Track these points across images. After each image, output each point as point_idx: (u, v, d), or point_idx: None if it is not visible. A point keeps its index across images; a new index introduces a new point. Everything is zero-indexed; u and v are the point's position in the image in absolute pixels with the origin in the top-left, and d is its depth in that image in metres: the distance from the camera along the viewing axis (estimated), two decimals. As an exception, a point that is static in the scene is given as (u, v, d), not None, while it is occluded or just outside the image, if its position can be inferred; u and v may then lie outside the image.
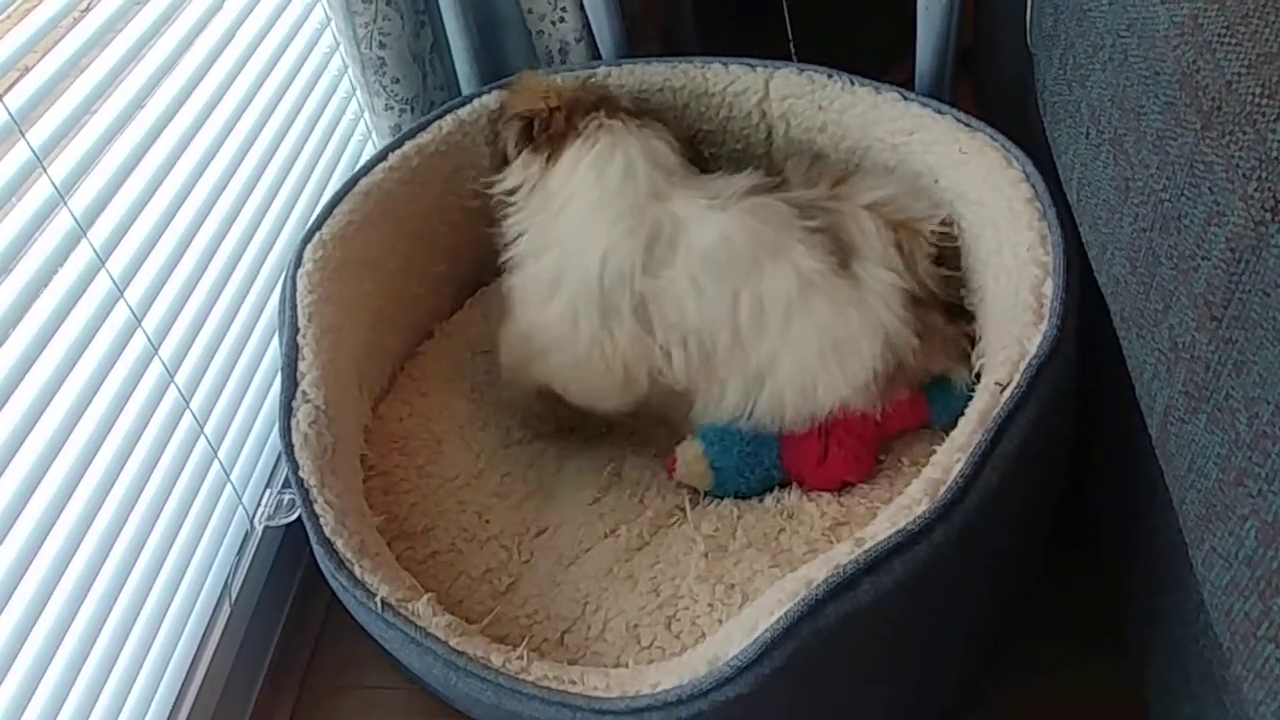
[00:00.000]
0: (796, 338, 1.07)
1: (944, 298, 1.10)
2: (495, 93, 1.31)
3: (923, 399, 1.09)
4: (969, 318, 1.11)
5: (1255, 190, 0.55)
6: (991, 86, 1.46)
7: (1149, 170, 0.69)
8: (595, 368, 1.12)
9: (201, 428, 1.09)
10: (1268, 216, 0.54)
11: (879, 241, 1.07)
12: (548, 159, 1.17)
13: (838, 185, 1.14)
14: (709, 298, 1.07)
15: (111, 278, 0.97)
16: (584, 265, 1.10)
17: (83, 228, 0.93)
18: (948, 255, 1.12)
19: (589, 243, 1.11)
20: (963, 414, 0.91)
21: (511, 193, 1.20)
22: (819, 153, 1.26)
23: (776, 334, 1.07)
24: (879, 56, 1.53)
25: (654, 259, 1.09)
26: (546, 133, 1.19)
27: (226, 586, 1.12)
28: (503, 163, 1.24)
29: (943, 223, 1.12)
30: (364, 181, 1.23)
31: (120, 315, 0.98)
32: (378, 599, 0.91)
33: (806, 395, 1.07)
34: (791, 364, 1.07)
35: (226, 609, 1.11)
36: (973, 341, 1.09)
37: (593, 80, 1.31)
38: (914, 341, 1.05)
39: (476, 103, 1.31)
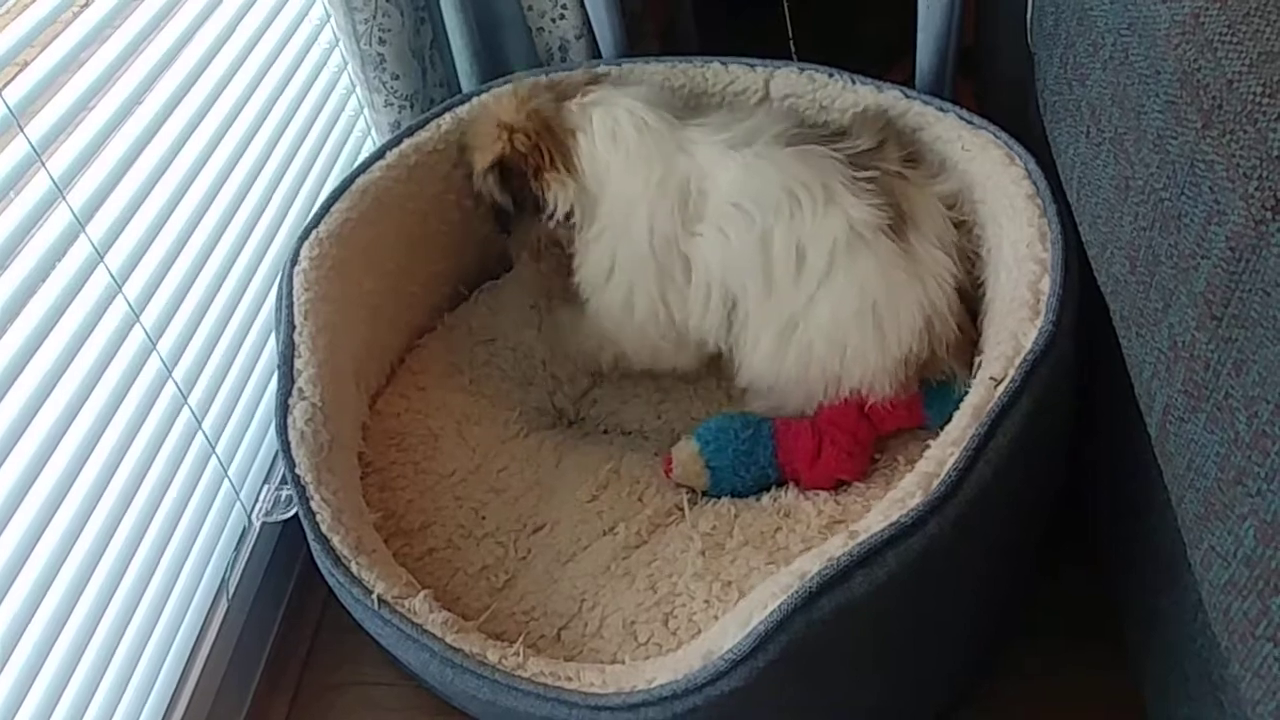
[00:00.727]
0: (838, 289, 1.03)
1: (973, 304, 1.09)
2: (461, 145, 1.26)
3: (918, 400, 1.09)
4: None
5: (1256, 189, 0.55)
6: (992, 85, 1.46)
7: (1149, 169, 0.69)
8: (652, 336, 1.15)
9: (199, 423, 1.08)
10: (1268, 215, 0.54)
11: (942, 225, 1.03)
12: (554, 164, 1.14)
13: (912, 162, 1.09)
14: (735, 244, 1.07)
15: (110, 272, 0.96)
16: (634, 238, 1.11)
17: (81, 222, 0.93)
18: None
19: (633, 211, 1.10)
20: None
21: (569, 217, 1.16)
22: (885, 115, 1.18)
23: (816, 281, 1.04)
24: (879, 55, 1.53)
25: (689, 214, 1.08)
26: (526, 160, 1.14)
27: (224, 582, 1.12)
28: (515, 211, 1.19)
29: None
30: (361, 179, 1.23)
31: (118, 310, 0.98)
32: (374, 596, 0.92)
33: (834, 353, 1.05)
34: (827, 315, 1.04)
35: (224, 605, 1.11)
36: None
37: (542, 86, 1.24)
38: (953, 334, 1.03)
39: (475, 101, 1.31)
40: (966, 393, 0.98)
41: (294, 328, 1.09)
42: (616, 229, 1.13)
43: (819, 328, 1.05)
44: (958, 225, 1.09)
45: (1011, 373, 0.88)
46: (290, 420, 1.03)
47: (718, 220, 1.08)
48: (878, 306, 1.03)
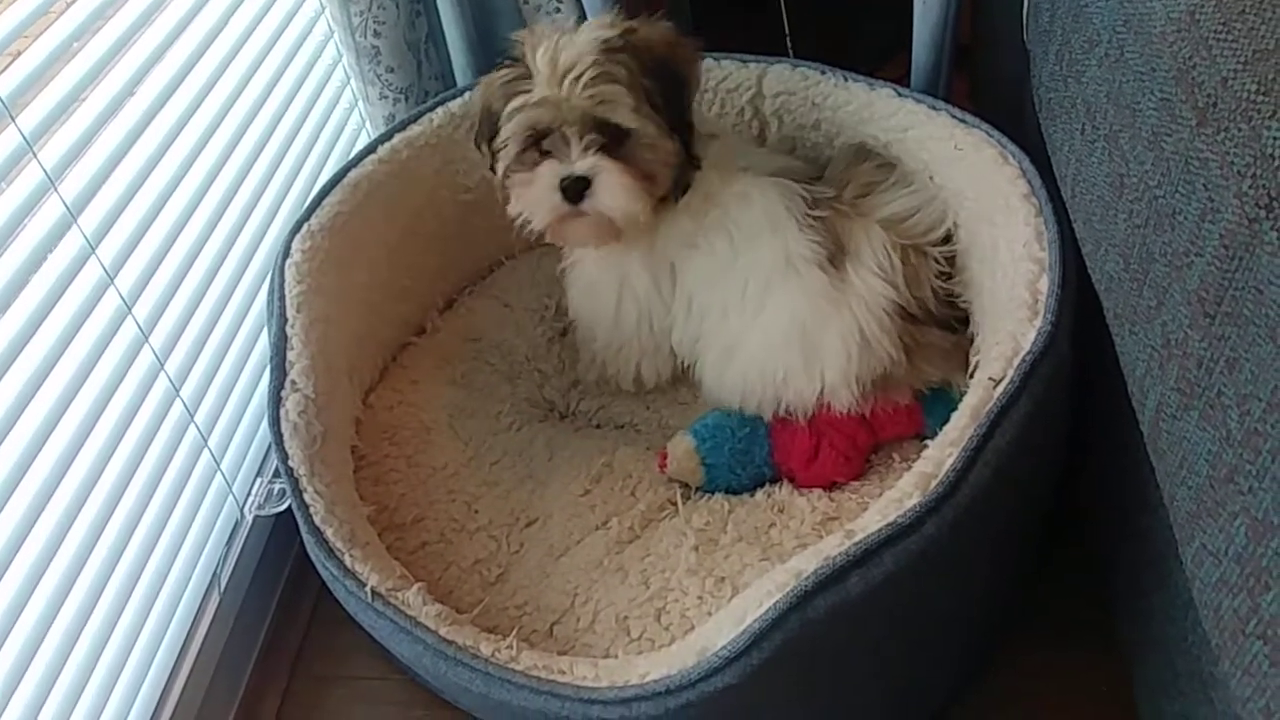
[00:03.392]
0: (767, 317, 1.09)
1: (948, 313, 1.10)
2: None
3: (918, 407, 1.09)
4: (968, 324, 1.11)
5: (1249, 187, 0.55)
6: (987, 82, 1.46)
7: (1144, 166, 0.69)
8: (630, 347, 1.20)
9: (192, 416, 1.08)
10: (1261, 214, 0.54)
11: (881, 253, 1.07)
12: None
13: (865, 194, 1.12)
14: (716, 261, 1.11)
15: (102, 265, 0.96)
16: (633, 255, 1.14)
17: (73, 214, 0.93)
18: (949, 264, 1.11)
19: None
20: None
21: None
22: (865, 150, 1.21)
23: (751, 311, 1.10)
24: (876, 52, 1.53)
25: (693, 220, 1.12)
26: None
27: (216, 575, 1.12)
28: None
29: (945, 238, 1.11)
30: (353, 173, 1.23)
31: (111, 302, 0.98)
32: (368, 588, 0.91)
33: (768, 380, 1.10)
34: (758, 344, 1.09)
35: (216, 598, 1.11)
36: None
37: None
38: (895, 354, 1.06)
39: (468, 95, 1.30)
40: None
41: (286, 320, 1.09)
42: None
43: (753, 357, 1.10)
44: (948, 239, 1.11)
45: (1010, 373, 0.88)
46: (283, 412, 1.03)
47: (711, 234, 1.11)
48: (806, 333, 1.07)
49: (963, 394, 1.03)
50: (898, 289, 1.06)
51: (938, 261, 1.09)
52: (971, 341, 1.07)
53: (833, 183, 1.13)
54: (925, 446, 0.89)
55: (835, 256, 1.07)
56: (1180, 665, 0.81)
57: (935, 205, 1.12)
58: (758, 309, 1.10)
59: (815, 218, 1.08)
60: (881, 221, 1.08)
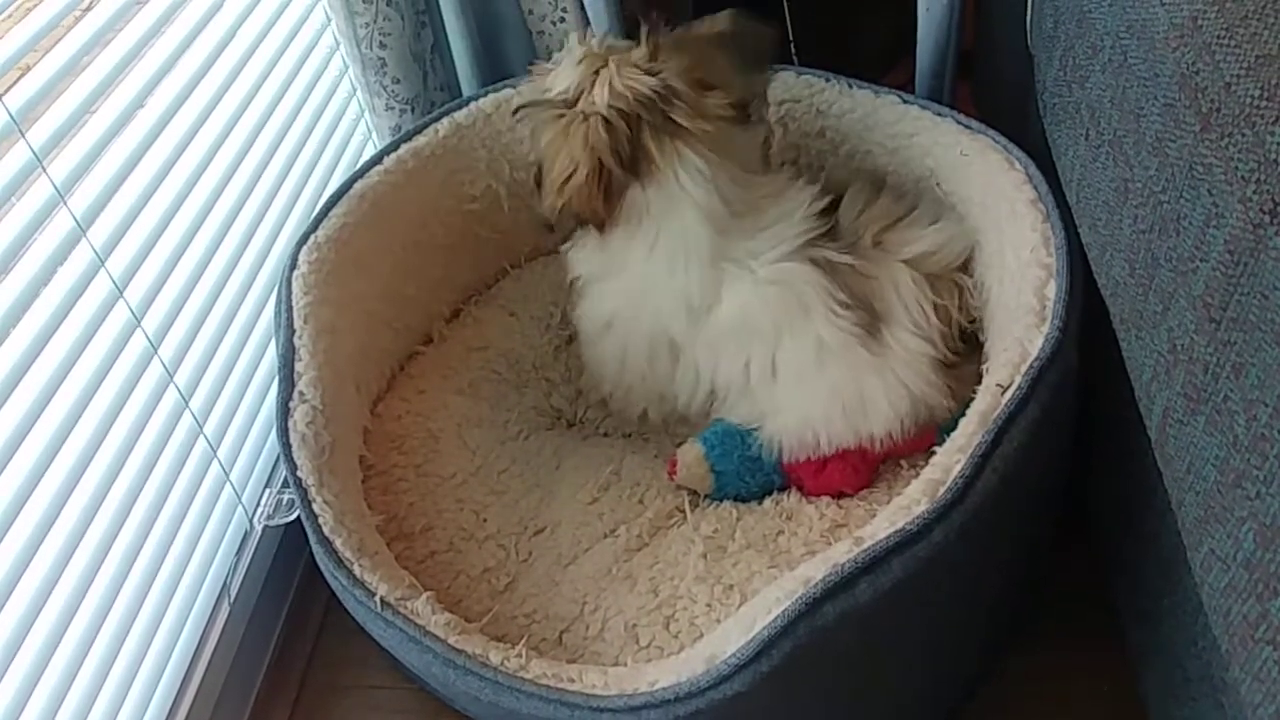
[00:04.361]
0: (805, 394, 1.06)
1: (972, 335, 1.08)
2: (528, 143, 1.12)
3: (932, 427, 1.08)
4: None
5: (1254, 193, 0.55)
6: (991, 88, 1.46)
7: (1148, 172, 0.69)
8: (636, 391, 1.19)
9: (201, 428, 1.09)
10: (1266, 219, 0.54)
11: (915, 306, 1.04)
12: (602, 228, 1.05)
13: (884, 232, 1.08)
14: (724, 362, 1.10)
15: (111, 278, 0.97)
16: (635, 320, 1.12)
17: (82, 228, 0.93)
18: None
19: (645, 296, 1.09)
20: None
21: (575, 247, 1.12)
22: (878, 181, 1.18)
23: (787, 389, 1.07)
24: (880, 58, 1.53)
25: (689, 323, 1.09)
26: (598, 213, 1.04)
27: (226, 586, 1.12)
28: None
29: (966, 264, 1.09)
30: (359, 184, 1.23)
31: (120, 315, 0.98)
32: (377, 598, 0.92)
33: (805, 443, 1.08)
34: (797, 416, 1.07)
35: (226, 608, 1.11)
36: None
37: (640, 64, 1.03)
38: (946, 402, 1.04)
39: (473, 106, 1.31)
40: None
41: (294, 331, 1.09)
42: (621, 296, 1.12)
43: (791, 424, 1.08)
44: (952, 267, 1.08)
45: (1018, 379, 0.88)
46: (291, 423, 1.03)
47: (713, 340, 1.09)
48: (849, 405, 1.05)
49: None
50: (935, 344, 1.04)
51: (969, 292, 1.07)
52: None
53: (849, 232, 1.08)
54: (932, 453, 0.89)
55: (870, 327, 1.04)
56: (1190, 670, 0.81)
57: (961, 234, 1.10)
58: (793, 388, 1.07)
59: (842, 301, 1.03)
60: (909, 262, 1.05)
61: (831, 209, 1.09)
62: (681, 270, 1.05)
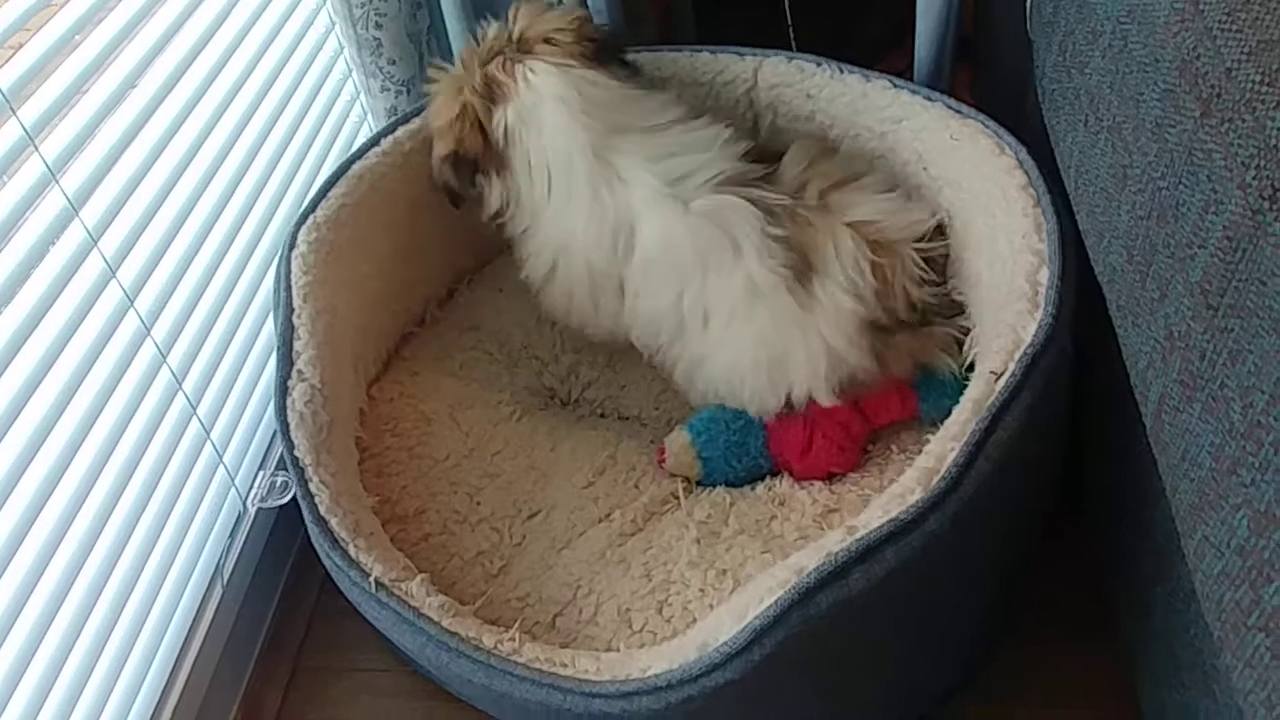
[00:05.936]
0: (734, 339, 1.08)
1: (930, 308, 1.08)
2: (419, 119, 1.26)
3: (912, 394, 1.09)
4: (958, 311, 1.10)
5: (1253, 179, 0.55)
6: (990, 73, 1.45)
7: (1147, 158, 0.68)
8: (590, 328, 1.20)
9: (194, 409, 1.08)
10: (1265, 205, 0.54)
11: (850, 264, 1.04)
12: (498, 172, 1.13)
13: (832, 192, 1.09)
14: (658, 295, 1.10)
15: (104, 257, 0.96)
16: (573, 260, 1.13)
17: (75, 207, 0.93)
18: (937, 261, 1.10)
19: (571, 240, 1.12)
20: (955, 405, 0.91)
21: (499, 215, 1.17)
22: (829, 145, 1.21)
23: (717, 332, 1.09)
24: (878, 43, 1.52)
25: (619, 253, 1.11)
26: (478, 152, 1.13)
27: (218, 569, 1.12)
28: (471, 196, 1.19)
29: (938, 229, 1.10)
30: (357, 165, 1.23)
31: (113, 296, 0.98)
32: (371, 579, 0.92)
33: (734, 394, 1.11)
34: (725, 363, 1.09)
35: (218, 591, 1.11)
36: (964, 332, 1.08)
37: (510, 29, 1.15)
38: (867, 364, 1.05)
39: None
40: (962, 380, 0.98)
41: (293, 310, 1.09)
42: (555, 245, 1.14)
43: (718, 372, 1.11)
44: (940, 229, 1.10)
45: (1011, 366, 0.87)
46: (290, 402, 1.03)
47: (643, 268, 1.10)
48: (772, 356, 1.06)
49: (954, 377, 1.04)
50: (867, 303, 1.04)
51: (918, 266, 1.06)
52: (968, 332, 1.07)
53: (792, 184, 1.10)
54: (924, 439, 0.89)
55: (802, 274, 1.05)
56: (1182, 657, 0.81)
57: (917, 204, 1.11)
58: (723, 332, 1.08)
59: (775, 237, 1.04)
60: (853, 224, 1.06)
61: (769, 161, 1.12)
62: (581, 184, 1.09)
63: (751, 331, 1.07)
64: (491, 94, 1.10)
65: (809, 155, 1.13)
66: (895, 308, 1.06)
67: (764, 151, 1.14)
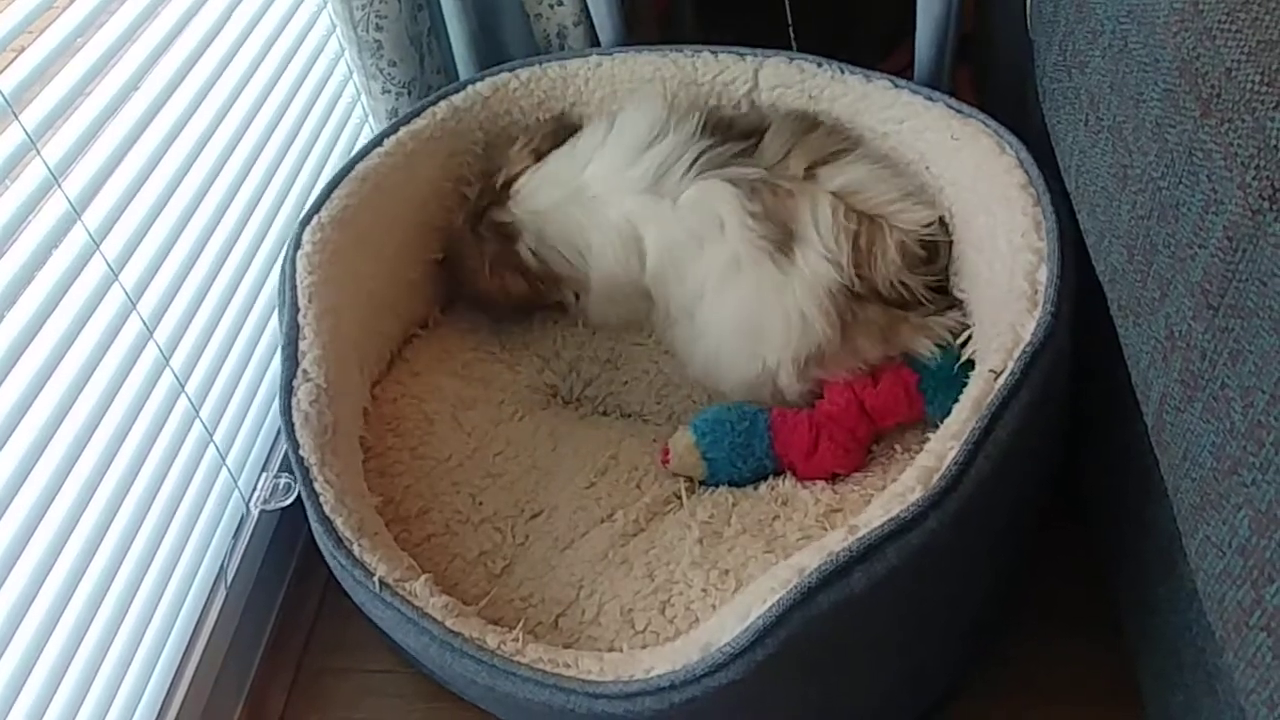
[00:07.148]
0: (720, 309, 1.13)
1: (918, 294, 1.10)
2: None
3: (918, 395, 1.09)
4: (950, 303, 1.11)
5: (1253, 179, 0.55)
6: (991, 73, 1.45)
7: (1147, 158, 0.69)
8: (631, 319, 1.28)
9: (197, 411, 1.08)
10: (1265, 205, 0.54)
11: (830, 232, 1.07)
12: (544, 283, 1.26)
13: (818, 166, 1.13)
14: (665, 290, 1.18)
15: (106, 260, 0.96)
16: (614, 290, 1.24)
17: (77, 210, 0.93)
18: (933, 250, 1.11)
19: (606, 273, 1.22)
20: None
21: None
22: (814, 120, 1.23)
23: (708, 307, 1.14)
24: (879, 42, 1.52)
25: (638, 265, 1.19)
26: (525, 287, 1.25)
27: (222, 570, 1.12)
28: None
29: (940, 221, 1.11)
30: (360, 166, 1.23)
31: (115, 298, 0.98)
32: (376, 578, 0.92)
33: (719, 368, 1.15)
34: (712, 335, 1.14)
35: (222, 593, 1.11)
36: (961, 327, 1.09)
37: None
38: (829, 331, 1.07)
39: (470, 89, 1.31)
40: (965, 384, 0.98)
41: (298, 310, 1.09)
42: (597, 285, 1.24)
43: (710, 347, 1.16)
44: (942, 222, 1.12)
45: (1011, 365, 0.88)
46: (295, 401, 1.03)
47: (656, 279, 1.19)
48: (752, 324, 1.11)
49: (962, 378, 1.04)
50: (843, 269, 1.06)
51: (903, 237, 1.09)
52: (965, 328, 1.08)
53: (769, 157, 1.14)
54: (926, 438, 0.89)
55: (783, 244, 1.09)
56: (1184, 657, 0.81)
57: (903, 179, 1.13)
58: (712, 306, 1.14)
59: (754, 212, 1.09)
60: (835, 192, 1.09)
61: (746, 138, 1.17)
62: (593, 234, 1.20)
63: (734, 299, 1.11)
64: (506, 234, 1.23)
65: (792, 129, 1.17)
66: (872, 278, 1.08)
67: (747, 126, 1.20)
